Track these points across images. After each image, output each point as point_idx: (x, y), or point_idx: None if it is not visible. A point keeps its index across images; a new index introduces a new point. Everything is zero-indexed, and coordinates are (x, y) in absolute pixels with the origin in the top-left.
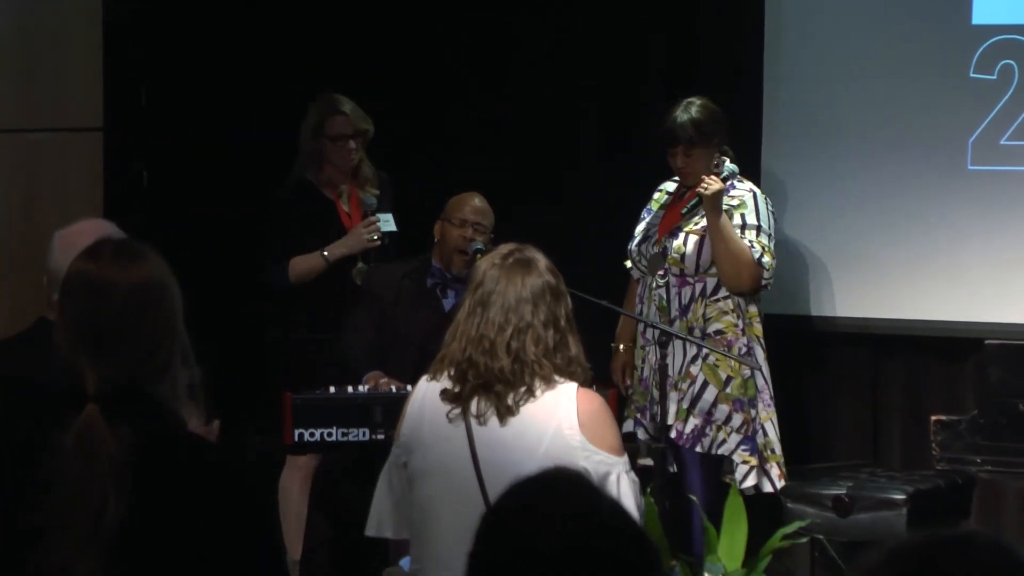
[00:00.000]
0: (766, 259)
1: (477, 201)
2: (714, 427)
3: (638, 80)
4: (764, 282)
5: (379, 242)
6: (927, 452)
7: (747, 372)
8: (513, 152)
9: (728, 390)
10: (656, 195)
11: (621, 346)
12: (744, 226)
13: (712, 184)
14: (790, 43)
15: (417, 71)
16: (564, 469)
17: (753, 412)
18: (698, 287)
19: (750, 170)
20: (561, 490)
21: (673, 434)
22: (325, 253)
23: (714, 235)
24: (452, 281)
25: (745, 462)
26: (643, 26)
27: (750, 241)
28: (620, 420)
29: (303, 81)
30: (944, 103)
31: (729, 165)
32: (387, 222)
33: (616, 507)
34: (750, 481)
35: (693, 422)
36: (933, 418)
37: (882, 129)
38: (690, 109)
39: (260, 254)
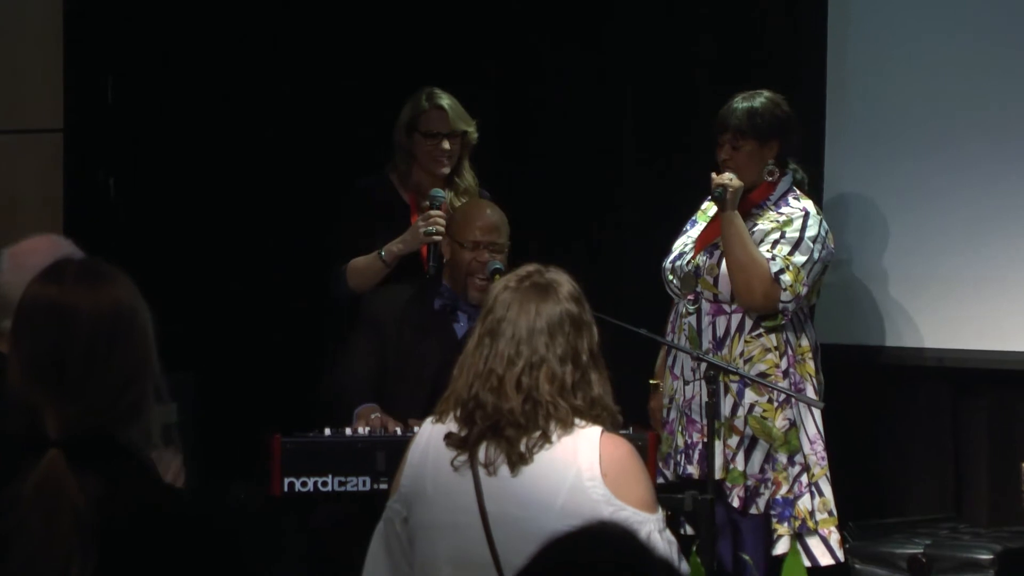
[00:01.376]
0: (787, 277)
1: (488, 213)
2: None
3: (684, 79)
4: (782, 304)
5: (439, 237)
6: (1017, 504)
7: (786, 423)
8: (547, 161)
9: (773, 444)
10: (705, 204)
11: (660, 383)
12: (778, 241)
13: (731, 181)
14: (856, 41)
15: (437, 69)
16: (610, 524)
17: (793, 469)
18: (735, 319)
19: (811, 182)
20: (608, 547)
21: (736, 502)
22: (382, 253)
23: (724, 239)
24: (464, 304)
25: (773, 530)
26: (693, 24)
27: (773, 255)
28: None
29: (294, 75)
30: None
31: (787, 178)
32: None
33: (670, 569)
34: (780, 548)
35: (749, 484)
36: None
37: (959, 136)
38: (753, 98)
39: (330, 258)
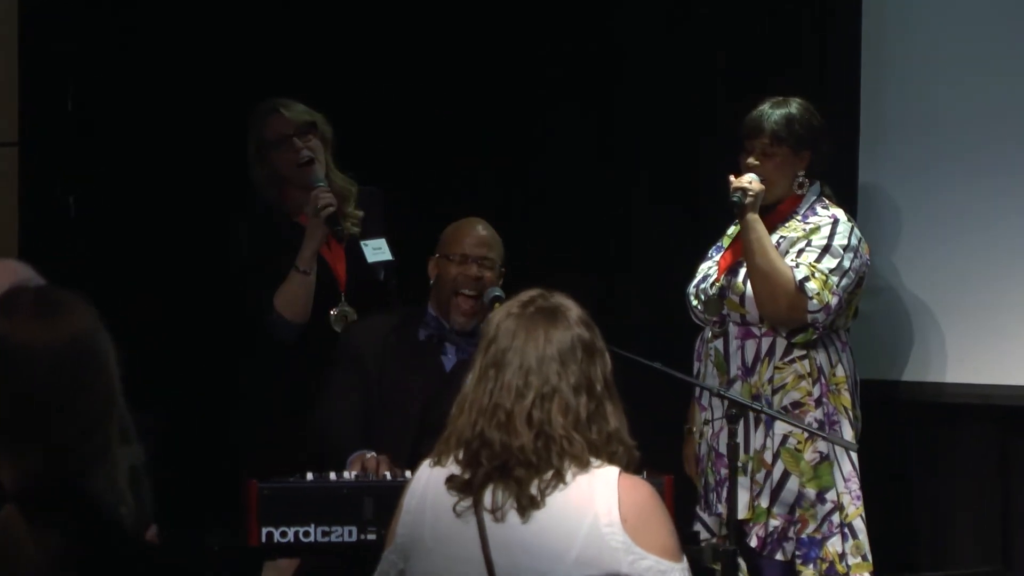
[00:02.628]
0: (812, 284)
1: (480, 229)
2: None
3: (703, 80)
4: (811, 316)
5: (332, 207)
6: None
7: (816, 456)
8: (552, 183)
9: (801, 479)
10: (731, 229)
11: (695, 427)
12: (804, 249)
13: (751, 184)
14: (893, 40)
15: (427, 85)
16: None
17: (823, 507)
18: (765, 343)
19: (843, 196)
20: None
21: (754, 542)
22: (297, 265)
23: (744, 246)
24: (452, 333)
25: (797, 572)
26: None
27: (797, 263)
28: (683, 515)
29: (271, 83)
30: None
31: (814, 188)
32: (379, 249)
33: None
34: None
35: (773, 523)
36: None
37: (1007, 147)
38: (788, 104)
39: (251, 310)
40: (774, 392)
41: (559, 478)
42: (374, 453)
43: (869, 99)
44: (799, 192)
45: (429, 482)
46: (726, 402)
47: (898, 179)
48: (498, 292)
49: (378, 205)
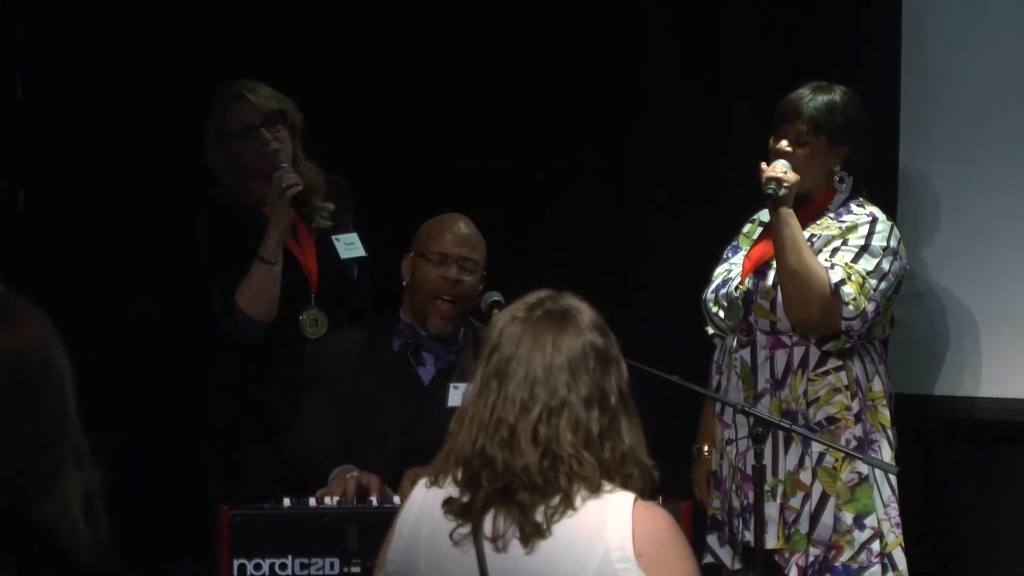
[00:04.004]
0: (848, 288)
1: (462, 226)
2: None
3: (720, 73)
4: (845, 323)
5: (299, 187)
6: None
7: (854, 476)
8: (563, 190)
9: (836, 500)
10: (747, 227)
11: (705, 448)
12: (839, 249)
13: (785, 174)
14: (937, 25)
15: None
16: None
17: (861, 534)
18: (797, 352)
19: (881, 192)
20: None
21: (793, 572)
22: (260, 255)
23: (776, 243)
24: (429, 341)
25: None
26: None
27: (831, 263)
28: (699, 545)
29: (239, 66)
30: None
31: (848, 184)
32: (351, 244)
33: None
34: None
35: (815, 552)
36: None
37: None
38: (831, 91)
39: (216, 309)
40: (808, 405)
41: (567, 503)
42: (356, 472)
43: (911, 88)
44: (839, 188)
45: (425, 504)
46: (751, 419)
47: (942, 176)
48: (497, 296)
49: (345, 198)
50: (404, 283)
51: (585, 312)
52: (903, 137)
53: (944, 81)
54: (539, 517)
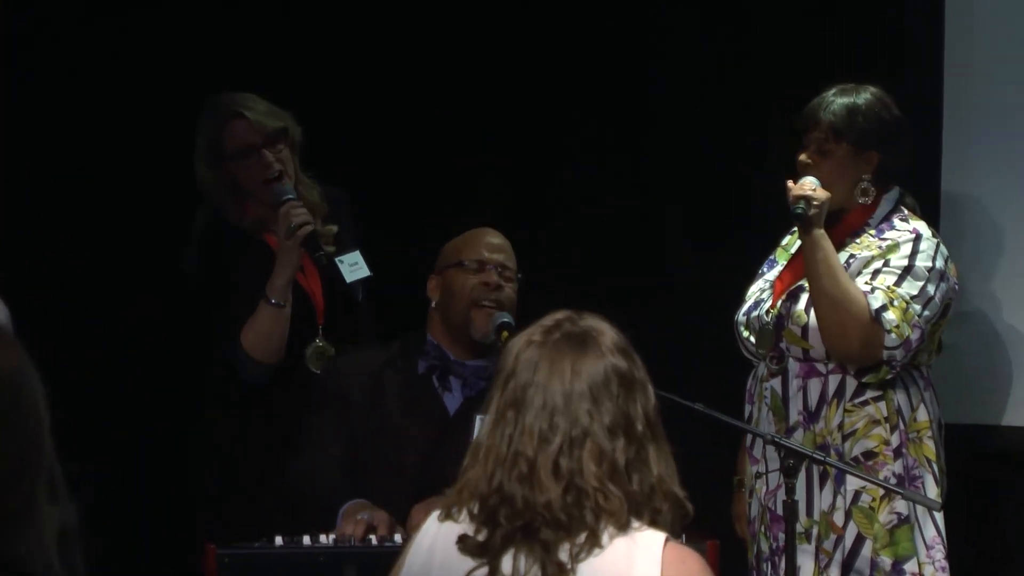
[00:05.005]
0: (891, 315)
1: (492, 234)
2: None
3: (748, 83)
4: (887, 352)
5: (311, 227)
6: None
7: (893, 517)
8: (581, 205)
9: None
10: (786, 239)
11: (746, 480)
12: (880, 271)
13: (815, 191)
14: (982, 29)
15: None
16: None
17: None
18: (832, 381)
19: (924, 206)
20: None
21: None
22: (267, 296)
23: (808, 267)
24: (457, 364)
25: None
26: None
27: (872, 287)
28: None
29: (232, 62)
30: None
31: (891, 195)
32: (355, 265)
33: None
34: None
35: None
36: None
37: None
38: (856, 93)
39: (219, 345)
40: (844, 439)
41: (594, 541)
42: (368, 513)
43: (953, 94)
44: (862, 200)
45: (437, 540)
46: (782, 451)
47: (990, 187)
48: (506, 318)
49: (345, 210)
50: (433, 304)
51: (607, 333)
52: (945, 148)
53: (990, 91)
54: (563, 556)
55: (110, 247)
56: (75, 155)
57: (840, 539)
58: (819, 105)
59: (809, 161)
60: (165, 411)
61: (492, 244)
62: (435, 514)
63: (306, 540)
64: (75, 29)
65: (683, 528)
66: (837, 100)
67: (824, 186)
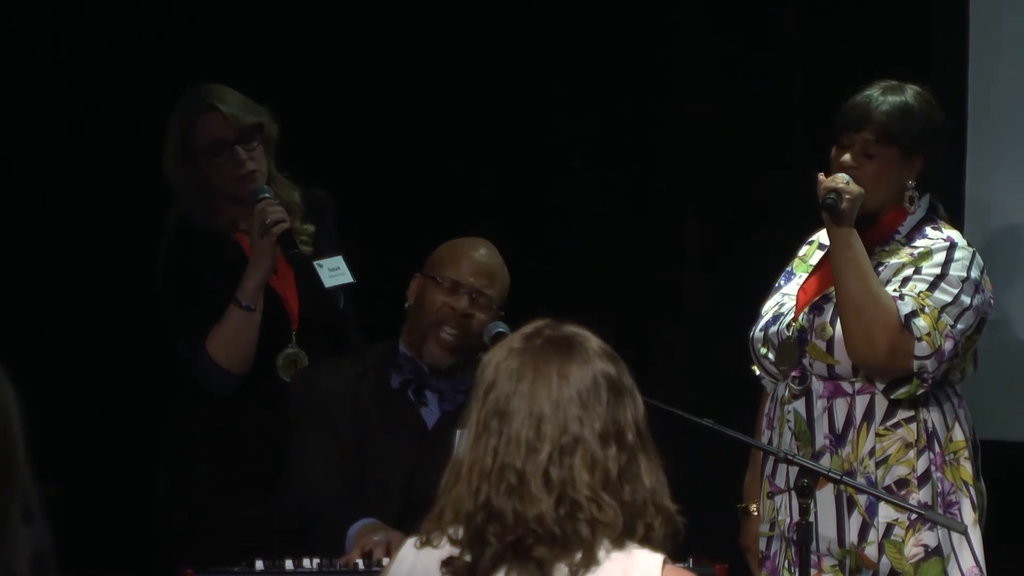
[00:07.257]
0: (921, 322)
1: (483, 253)
2: None
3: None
4: (917, 362)
5: (286, 224)
6: None
7: (919, 550)
8: (586, 217)
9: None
10: (804, 250)
11: (753, 507)
12: (911, 278)
13: (847, 185)
14: (1007, 23)
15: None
16: None
17: None
18: (860, 402)
19: (947, 210)
20: None
21: None
22: (238, 299)
23: (836, 268)
24: (431, 377)
25: None
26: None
27: (901, 294)
28: None
29: (228, 71)
30: None
31: (923, 202)
32: (336, 270)
33: None
34: None
35: None
36: None
37: None
38: (904, 90)
39: (181, 352)
40: (877, 466)
41: (591, 558)
42: (384, 533)
43: (978, 94)
44: (910, 209)
45: (415, 567)
46: (798, 470)
47: (1015, 195)
48: (502, 328)
49: (327, 214)
50: (407, 305)
51: (591, 339)
52: (970, 155)
53: (1014, 96)
54: (559, 575)
55: (82, 254)
56: (45, 154)
57: (875, 575)
58: (868, 103)
59: (854, 164)
60: (141, 433)
61: (476, 265)
62: (411, 541)
63: (288, 564)
64: (49, 21)
65: (689, 551)
66: (888, 99)
67: (866, 188)
